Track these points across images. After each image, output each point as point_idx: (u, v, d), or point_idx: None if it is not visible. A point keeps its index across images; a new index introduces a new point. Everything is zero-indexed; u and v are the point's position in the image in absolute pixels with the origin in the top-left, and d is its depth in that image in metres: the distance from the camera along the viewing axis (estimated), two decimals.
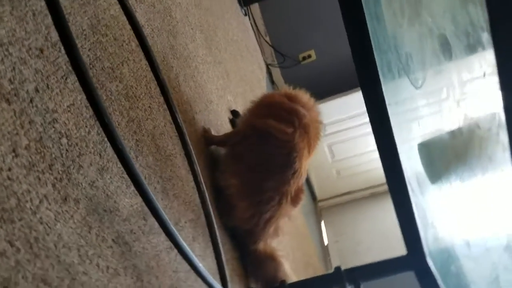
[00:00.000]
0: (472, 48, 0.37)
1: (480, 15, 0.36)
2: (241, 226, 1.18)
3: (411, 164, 1.09)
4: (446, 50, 0.44)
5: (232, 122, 1.57)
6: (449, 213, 0.80)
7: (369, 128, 1.21)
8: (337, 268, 1.17)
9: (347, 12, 0.92)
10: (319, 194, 4.34)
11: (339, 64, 3.69)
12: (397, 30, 0.65)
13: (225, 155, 1.24)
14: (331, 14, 3.67)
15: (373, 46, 0.96)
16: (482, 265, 0.75)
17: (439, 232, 0.97)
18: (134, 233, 0.70)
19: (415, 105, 0.94)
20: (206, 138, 1.23)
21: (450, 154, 0.63)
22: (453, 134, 0.61)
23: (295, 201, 1.22)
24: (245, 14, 3.11)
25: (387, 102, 1.15)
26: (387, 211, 1.33)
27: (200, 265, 0.77)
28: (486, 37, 0.37)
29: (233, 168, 1.17)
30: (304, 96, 1.23)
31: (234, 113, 1.61)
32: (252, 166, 1.15)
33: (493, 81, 0.38)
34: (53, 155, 0.55)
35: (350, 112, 3.75)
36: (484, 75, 0.41)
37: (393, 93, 0.98)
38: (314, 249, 3.13)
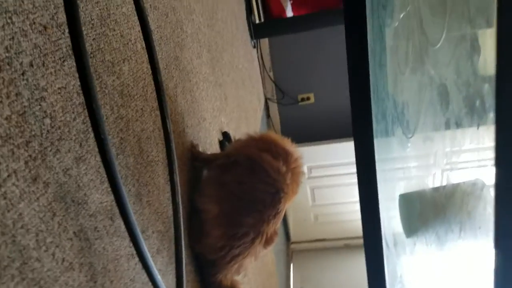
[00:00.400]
0: (470, 99, 0.38)
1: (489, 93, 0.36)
2: (207, 255, 1.13)
3: (389, 219, 1.09)
4: (444, 100, 0.44)
5: (221, 143, 1.56)
6: (419, 269, 0.79)
7: (354, 179, 1.22)
8: None
9: (352, 57, 0.94)
10: (293, 235, 4.29)
11: (335, 112, 3.74)
12: (398, 78, 0.66)
13: (209, 177, 1.21)
14: (336, 63, 3.76)
15: (371, 95, 0.97)
16: None
17: (403, 273, 0.96)
18: (98, 231, 0.67)
19: (403, 164, 0.95)
20: (193, 153, 1.21)
21: (429, 208, 0.63)
22: (436, 189, 0.61)
23: (267, 242, 1.18)
24: (254, 47, 3.17)
25: (376, 157, 1.16)
26: (357, 265, 1.31)
27: (160, 279, 0.74)
28: (491, 116, 0.38)
29: (215, 193, 1.13)
30: (290, 143, 1.23)
31: (225, 135, 1.61)
32: (235, 197, 1.12)
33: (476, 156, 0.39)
34: (33, 133, 0.54)
35: (339, 159, 3.77)
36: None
37: (384, 147, 0.99)
38: None
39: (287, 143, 1.20)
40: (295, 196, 1.20)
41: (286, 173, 1.11)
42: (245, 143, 1.24)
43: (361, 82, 1.00)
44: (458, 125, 0.42)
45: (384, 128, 0.88)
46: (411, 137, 0.64)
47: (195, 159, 1.21)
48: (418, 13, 0.57)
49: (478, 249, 0.42)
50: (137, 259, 0.77)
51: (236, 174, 1.13)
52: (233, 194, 1.11)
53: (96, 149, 0.60)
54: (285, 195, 1.11)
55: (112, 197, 0.65)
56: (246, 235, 1.10)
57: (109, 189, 0.63)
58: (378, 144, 1.09)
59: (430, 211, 0.62)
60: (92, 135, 0.66)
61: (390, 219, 1.11)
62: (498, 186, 0.39)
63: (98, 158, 0.66)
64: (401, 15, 0.65)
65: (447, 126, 0.46)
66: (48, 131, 0.57)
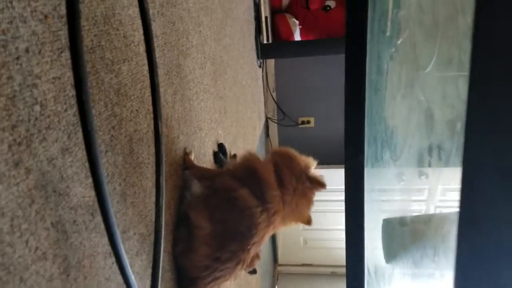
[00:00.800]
0: (453, 122, 0.38)
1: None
2: (190, 271, 1.12)
3: (373, 249, 1.09)
4: (429, 123, 0.45)
5: (215, 155, 1.56)
6: None
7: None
8: None
9: (349, 81, 0.95)
10: (281, 258, 4.25)
11: (334, 139, 3.76)
12: (390, 102, 0.67)
13: (201, 194, 1.22)
14: (339, 91, 3.79)
15: (366, 120, 0.98)
16: None
17: None
18: (77, 225, 0.67)
19: (393, 197, 0.95)
20: (185, 161, 1.21)
21: (409, 233, 0.62)
22: (417, 216, 0.61)
23: (248, 265, 1.18)
24: (260, 66, 3.20)
25: (365, 188, 1.17)
26: None
27: (134, 281, 0.73)
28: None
29: (207, 213, 1.13)
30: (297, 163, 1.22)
31: (220, 147, 1.61)
32: (223, 221, 1.13)
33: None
34: (20, 118, 0.54)
35: (333, 186, 3.75)
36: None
37: (376, 178, 0.99)
38: None
39: (282, 169, 1.19)
40: (291, 220, 1.23)
41: (262, 212, 1.11)
42: (229, 170, 1.24)
43: (355, 112, 1.02)
44: (440, 148, 0.42)
45: (374, 152, 0.88)
46: (397, 162, 0.64)
47: (186, 168, 1.21)
48: (412, 38, 0.58)
49: (448, 273, 0.42)
50: (114, 259, 0.77)
51: (217, 203, 1.15)
52: (218, 220, 1.12)
53: (84, 142, 0.61)
54: (262, 229, 1.12)
55: (95, 192, 0.65)
56: (229, 260, 1.11)
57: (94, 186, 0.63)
58: (370, 175, 1.09)
59: (409, 236, 0.62)
60: (81, 128, 0.66)
61: (374, 249, 1.11)
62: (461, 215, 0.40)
63: (86, 152, 0.66)
64: (399, 41, 0.66)
65: (430, 151, 0.47)
66: (36, 118, 0.57)
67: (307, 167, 1.22)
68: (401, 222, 0.69)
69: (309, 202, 1.23)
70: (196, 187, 1.27)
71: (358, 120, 0.97)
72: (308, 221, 1.27)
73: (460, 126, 0.37)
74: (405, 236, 0.64)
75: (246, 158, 1.22)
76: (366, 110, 0.78)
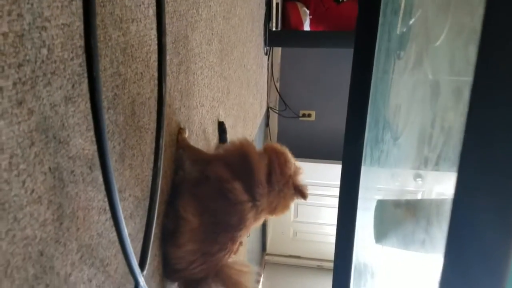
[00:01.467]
0: (459, 90, 0.38)
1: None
2: (175, 264, 1.10)
3: (363, 248, 1.09)
4: (434, 95, 0.45)
5: (220, 132, 1.56)
6: (383, 274, 0.79)
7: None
8: None
9: (357, 63, 0.95)
10: (269, 247, 4.27)
11: (334, 134, 3.76)
12: (397, 82, 0.67)
13: (188, 184, 1.16)
14: (344, 87, 3.80)
15: (369, 106, 0.98)
16: None
17: None
18: (74, 175, 0.67)
19: (386, 196, 0.95)
20: (179, 140, 1.18)
21: (401, 214, 0.63)
22: (412, 199, 0.61)
23: (234, 253, 1.19)
24: (266, 54, 3.19)
25: (360, 184, 1.17)
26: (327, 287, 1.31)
27: (128, 240, 0.74)
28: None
29: (194, 204, 1.11)
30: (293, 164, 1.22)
31: (220, 125, 1.61)
32: (210, 212, 1.11)
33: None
34: (27, 57, 0.54)
35: (328, 181, 3.77)
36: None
37: (372, 176, 1.00)
38: None
39: (273, 163, 1.19)
40: (273, 215, 1.22)
41: (252, 207, 1.12)
42: (223, 156, 1.22)
43: (360, 95, 1.02)
44: (444, 119, 0.42)
45: (375, 135, 0.89)
46: (398, 141, 0.64)
47: (179, 147, 1.19)
48: (425, 13, 0.58)
49: (436, 257, 0.42)
50: (108, 215, 0.77)
51: (207, 192, 1.13)
52: (208, 210, 1.11)
53: (88, 96, 0.60)
54: (249, 223, 1.13)
55: (95, 147, 0.66)
56: (220, 251, 1.11)
57: (94, 138, 0.63)
58: (366, 173, 1.10)
59: (402, 214, 0.62)
60: (87, 80, 0.66)
61: (362, 248, 1.12)
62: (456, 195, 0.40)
63: (89, 105, 0.66)
64: (411, 22, 0.66)
65: (433, 123, 0.47)
66: (43, 61, 0.57)
67: (296, 173, 1.22)
68: (395, 203, 0.69)
69: (286, 207, 1.23)
70: (188, 167, 1.24)
71: (362, 104, 0.97)
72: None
73: (466, 92, 0.37)
74: (398, 214, 0.64)
75: (243, 145, 1.20)
76: (371, 92, 0.78)
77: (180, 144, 1.19)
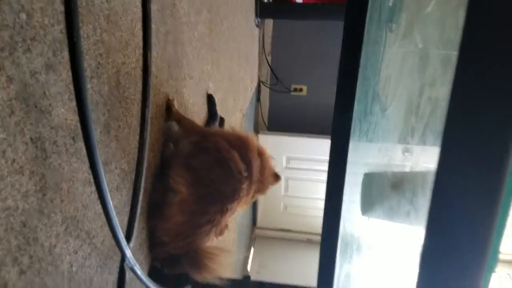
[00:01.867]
0: (446, 60, 0.38)
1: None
2: (161, 236, 1.09)
3: (349, 220, 1.10)
4: (423, 65, 0.44)
5: (210, 105, 1.54)
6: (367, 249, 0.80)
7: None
8: (247, 277, 1.14)
9: (348, 34, 0.93)
10: (260, 221, 4.31)
11: (325, 109, 3.75)
12: (387, 53, 0.66)
13: (181, 155, 1.14)
14: (335, 61, 3.76)
15: (359, 78, 0.97)
16: None
17: (352, 270, 0.97)
18: (57, 146, 0.66)
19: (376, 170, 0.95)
20: (173, 112, 1.16)
21: (387, 186, 0.63)
22: (400, 172, 0.61)
23: (220, 233, 1.19)
24: (257, 25, 3.14)
25: (349, 159, 1.17)
26: (316, 261, 1.32)
27: (114, 214, 0.73)
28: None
29: (186, 175, 1.09)
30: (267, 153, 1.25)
31: (210, 98, 1.59)
32: (203, 183, 1.10)
33: None
34: (5, 22, 0.52)
35: (318, 155, 3.79)
36: None
37: (361, 152, 0.99)
38: (234, 267, 3.08)
39: (261, 152, 1.21)
40: (254, 199, 1.24)
41: (246, 178, 1.13)
42: (220, 131, 1.25)
43: (350, 67, 1.00)
44: (432, 86, 0.42)
45: (363, 108, 0.88)
46: (386, 112, 0.64)
47: (172, 119, 1.17)
48: None
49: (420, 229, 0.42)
50: (93, 187, 0.76)
51: (204, 161, 1.13)
52: (201, 180, 1.10)
53: (69, 63, 0.59)
54: (240, 198, 1.13)
55: (78, 117, 0.64)
56: (209, 222, 1.10)
57: (76, 108, 0.62)
58: (355, 148, 1.09)
59: (388, 185, 0.62)
60: (68, 47, 0.64)
61: (348, 220, 1.12)
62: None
63: (71, 73, 0.65)
64: None
65: (420, 94, 0.46)
66: (22, 26, 0.55)
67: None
68: (382, 176, 0.69)
69: (265, 191, 1.26)
70: (181, 139, 1.22)
71: (352, 76, 0.96)
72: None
73: (454, 58, 0.37)
74: (384, 186, 0.64)
75: (247, 135, 1.23)
76: (361, 64, 0.77)
77: (174, 116, 1.17)
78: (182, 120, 1.19)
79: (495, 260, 0.39)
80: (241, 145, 1.17)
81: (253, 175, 1.15)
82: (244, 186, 1.13)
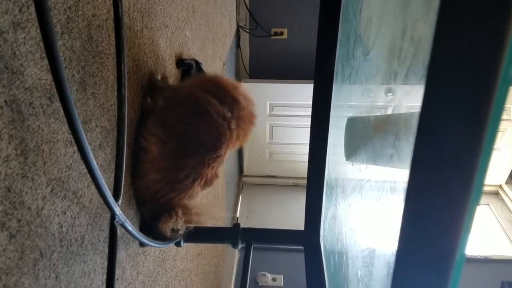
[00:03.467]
0: (429, 0, 0.37)
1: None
2: (140, 196, 1.09)
3: (334, 163, 1.12)
4: (405, 4, 0.43)
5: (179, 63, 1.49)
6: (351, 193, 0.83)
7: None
8: (236, 225, 1.17)
9: None
10: (246, 169, 4.38)
11: (306, 52, 3.70)
12: None
13: (155, 112, 1.11)
14: (316, 2, 3.66)
15: (340, 19, 0.95)
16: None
17: (338, 212, 1.00)
18: (33, 107, 0.64)
19: (359, 114, 0.95)
20: (159, 88, 1.14)
21: (370, 129, 0.64)
22: (384, 115, 0.61)
23: (206, 184, 1.16)
24: None
25: (332, 104, 1.17)
26: (303, 203, 1.36)
27: (99, 173, 0.72)
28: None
29: (159, 132, 1.06)
30: (244, 90, 1.19)
31: (197, 64, 1.54)
32: (178, 137, 1.07)
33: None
34: None
35: (301, 101, 3.79)
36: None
37: (344, 94, 0.99)
38: (223, 216, 3.16)
39: (237, 90, 1.15)
40: (239, 143, 1.18)
41: (231, 118, 1.08)
42: (193, 81, 1.18)
43: (331, 9, 0.98)
44: (414, 28, 0.41)
45: (346, 52, 0.87)
46: (368, 56, 0.63)
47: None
48: None
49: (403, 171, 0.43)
50: (76, 147, 0.75)
51: (180, 113, 1.08)
52: (176, 135, 1.07)
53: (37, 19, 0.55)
54: (227, 141, 1.09)
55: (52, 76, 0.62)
56: (188, 177, 1.08)
57: (50, 67, 0.59)
58: (339, 90, 1.09)
59: (371, 129, 0.63)
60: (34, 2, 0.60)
61: (335, 163, 1.14)
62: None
63: (40, 30, 0.61)
64: None
65: (403, 36, 0.46)
66: None
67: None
68: (365, 120, 0.70)
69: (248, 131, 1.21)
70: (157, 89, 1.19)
71: (333, 18, 0.94)
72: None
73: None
74: (367, 130, 0.65)
75: (214, 76, 1.18)
76: (342, 4, 0.75)
77: (160, 90, 1.15)
78: (157, 83, 1.16)
79: (479, 193, 0.40)
80: (216, 88, 1.12)
81: (238, 120, 1.11)
82: (231, 125, 1.09)
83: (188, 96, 1.11)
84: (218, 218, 1.19)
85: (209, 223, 1.17)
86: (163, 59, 1.32)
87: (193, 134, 1.07)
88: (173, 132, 1.07)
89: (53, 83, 0.65)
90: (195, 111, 1.08)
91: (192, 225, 1.15)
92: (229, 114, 1.09)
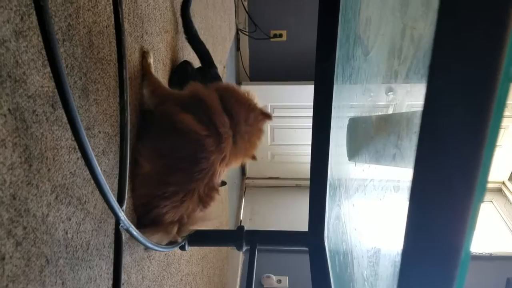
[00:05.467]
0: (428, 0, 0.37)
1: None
2: (134, 208, 1.08)
3: (337, 164, 1.12)
4: (404, 4, 0.43)
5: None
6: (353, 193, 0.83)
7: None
8: (240, 227, 1.17)
9: None
10: (249, 171, 4.38)
11: (306, 54, 3.71)
12: None
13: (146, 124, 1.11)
14: (316, 3, 3.65)
15: (340, 19, 0.95)
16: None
17: (342, 212, 1.00)
18: (37, 115, 0.64)
19: (360, 114, 0.95)
20: (143, 66, 1.11)
21: (373, 127, 0.64)
22: (385, 114, 0.61)
23: (205, 201, 1.12)
24: None
25: (334, 103, 1.17)
26: (305, 205, 1.36)
27: (103, 179, 0.72)
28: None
29: (152, 145, 1.06)
30: (252, 100, 1.16)
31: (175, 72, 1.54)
32: (169, 151, 1.05)
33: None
34: None
35: (302, 102, 3.79)
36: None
37: (345, 94, 0.99)
38: (227, 218, 3.16)
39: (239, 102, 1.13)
40: (243, 156, 1.19)
41: (208, 136, 1.04)
42: (177, 95, 1.14)
43: (330, 10, 0.98)
44: (413, 28, 0.41)
45: (346, 52, 0.87)
46: (368, 56, 0.63)
47: (143, 71, 1.12)
48: None
49: (406, 170, 0.43)
50: (79, 153, 0.76)
51: (162, 130, 1.07)
52: (162, 151, 1.06)
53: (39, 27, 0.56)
54: (213, 154, 1.06)
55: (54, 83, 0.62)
56: (175, 194, 1.05)
57: (52, 74, 0.60)
58: (340, 91, 1.09)
59: (373, 129, 0.63)
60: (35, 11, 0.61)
61: (337, 164, 1.14)
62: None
63: (42, 38, 0.62)
64: None
65: (403, 33, 0.46)
66: None
67: (253, 98, 1.17)
68: (367, 119, 0.70)
69: (260, 131, 1.19)
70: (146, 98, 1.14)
71: (333, 19, 0.94)
72: (254, 157, 1.24)
73: None
74: (369, 130, 0.65)
75: (193, 87, 1.13)
76: (341, 5, 0.75)
77: (143, 70, 1.12)
78: (148, 75, 1.12)
79: (483, 190, 0.40)
80: (196, 102, 1.09)
81: (221, 129, 1.07)
82: (208, 145, 1.05)
83: (163, 114, 1.08)
84: (210, 218, 1.17)
85: (204, 226, 1.16)
86: (164, 63, 1.33)
87: (176, 151, 1.05)
88: (160, 147, 1.06)
89: (55, 90, 0.65)
90: (173, 129, 1.05)
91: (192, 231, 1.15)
92: (206, 133, 1.05)
